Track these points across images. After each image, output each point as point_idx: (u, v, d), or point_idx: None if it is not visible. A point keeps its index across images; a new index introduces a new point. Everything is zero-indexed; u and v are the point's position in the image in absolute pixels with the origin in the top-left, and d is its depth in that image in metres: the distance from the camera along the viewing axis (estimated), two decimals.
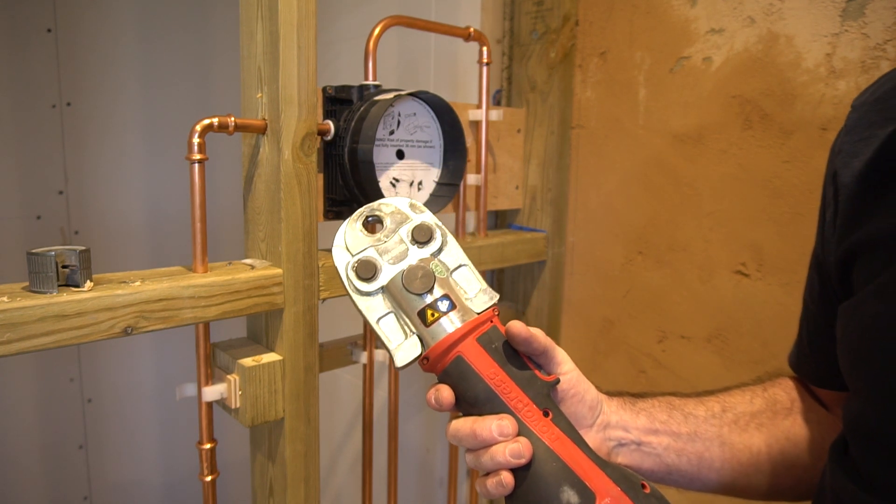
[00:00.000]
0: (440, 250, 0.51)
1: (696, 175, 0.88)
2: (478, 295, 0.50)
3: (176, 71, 1.58)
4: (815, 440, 0.56)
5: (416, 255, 0.50)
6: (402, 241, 0.51)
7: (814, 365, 0.56)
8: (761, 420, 0.57)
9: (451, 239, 0.52)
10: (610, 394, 0.58)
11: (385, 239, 0.51)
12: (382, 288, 0.50)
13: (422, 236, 0.51)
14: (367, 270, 0.49)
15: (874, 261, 0.41)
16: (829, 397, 0.57)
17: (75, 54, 1.45)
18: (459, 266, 0.51)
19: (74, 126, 1.47)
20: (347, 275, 0.50)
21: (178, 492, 1.74)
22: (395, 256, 0.50)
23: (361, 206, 0.74)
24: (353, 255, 0.50)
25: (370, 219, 0.53)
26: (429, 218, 0.53)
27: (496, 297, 0.50)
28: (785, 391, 0.60)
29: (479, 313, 0.48)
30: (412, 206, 0.54)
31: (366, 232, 0.52)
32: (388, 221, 0.52)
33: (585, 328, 1.04)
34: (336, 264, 0.50)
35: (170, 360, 1.67)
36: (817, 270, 0.51)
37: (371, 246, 0.51)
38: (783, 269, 0.80)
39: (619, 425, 0.55)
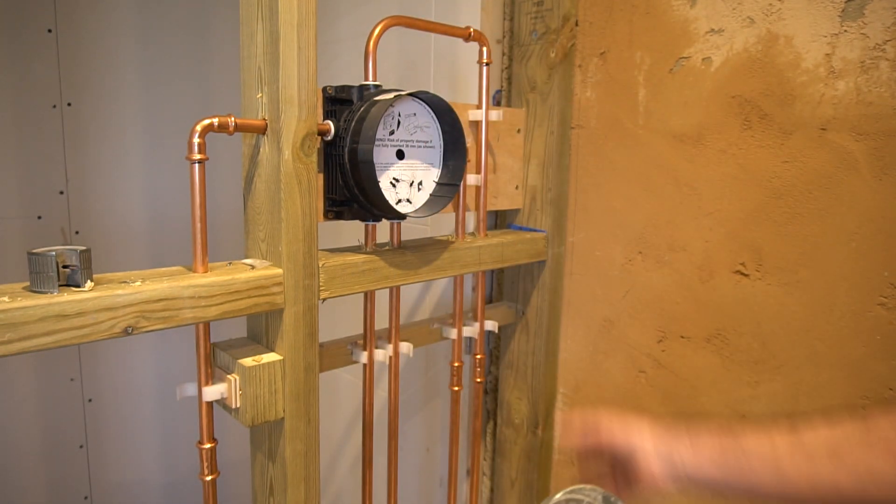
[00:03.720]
0: None
1: (696, 175, 0.88)
2: None
3: (176, 71, 1.58)
4: None
5: None
6: None
7: None
8: None
9: None
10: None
11: None
12: None
13: None
14: None
15: None
16: None
17: (76, 55, 1.45)
18: None
19: (75, 126, 1.47)
20: None
21: (179, 491, 1.74)
22: None
23: (362, 206, 0.75)
24: None
25: None
26: None
27: None
28: None
29: None
30: (606, 499, 0.41)
31: None
32: None
33: (585, 328, 1.04)
34: None
35: (170, 359, 1.67)
36: None
37: None
38: (783, 269, 0.80)
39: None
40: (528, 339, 1.08)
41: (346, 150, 0.71)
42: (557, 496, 0.40)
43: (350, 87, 0.74)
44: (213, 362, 0.71)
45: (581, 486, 0.41)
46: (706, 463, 0.52)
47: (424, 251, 0.83)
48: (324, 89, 0.74)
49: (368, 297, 0.84)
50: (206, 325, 0.68)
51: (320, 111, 0.74)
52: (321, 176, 0.75)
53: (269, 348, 0.71)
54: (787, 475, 0.51)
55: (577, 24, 1.00)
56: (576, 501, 0.40)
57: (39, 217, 1.46)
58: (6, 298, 0.52)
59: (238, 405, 0.68)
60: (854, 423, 0.51)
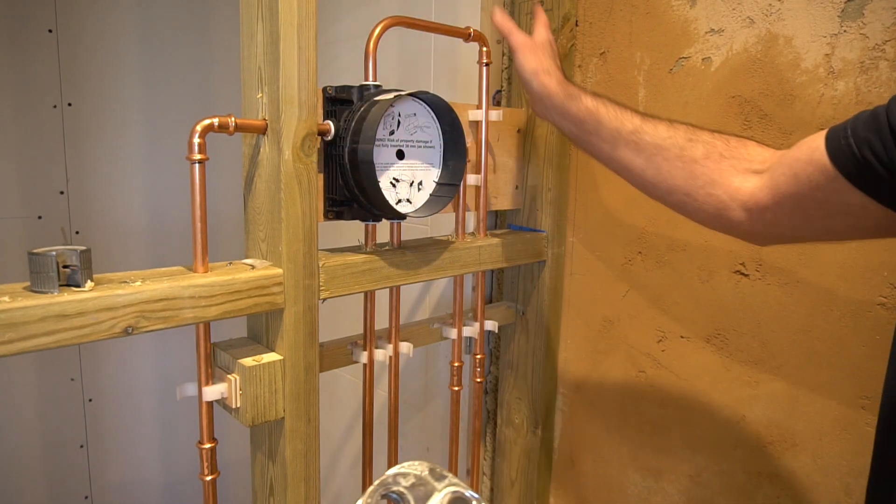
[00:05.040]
0: None
1: None
2: None
3: (176, 71, 1.58)
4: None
5: None
6: None
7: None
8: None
9: None
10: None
11: None
12: None
13: None
14: None
15: None
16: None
17: (76, 55, 1.46)
18: None
19: (75, 126, 1.47)
20: None
21: (179, 491, 1.74)
22: None
23: (362, 206, 0.75)
24: None
25: (391, 495, 0.44)
26: (456, 484, 0.45)
27: None
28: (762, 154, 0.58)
29: None
30: (432, 470, 0.45)
31: None
32: (409, 498, 0.44)
33: (585, 328, 1.04)
34: None
35: (170, 359, 1.67)
36: None
37: None
38: (782, 268, 0.80)
39: None
40: (528, 339, 1.08)
41: (347, 150, 0.71)
42: (389, 471, 0.45)
43: (350, 88, 0.74)
44: (214, 362, 0.71)
45: (410, 461, 0.46)
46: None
47: (424, 251, 0.83)
48: (324, 89, 0.74)
49: (368, 297, 0.84)
50: (207, 324, 0.68)
51: (320, 111, 0.74)
52: (321, 176, 0.75)
53: (270, 348, 0.72)
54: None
55: (576, 25, 1.00)
56: (403, 474, 0.45)
57: (39, 217, 1.46)
58: (6, 298, 0.52)
59: (238, 405, 0.68)
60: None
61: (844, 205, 0.49)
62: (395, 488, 0.44)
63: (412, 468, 0.45)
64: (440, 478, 0.45)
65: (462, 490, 0.44)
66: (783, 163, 0.54)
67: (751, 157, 0.58)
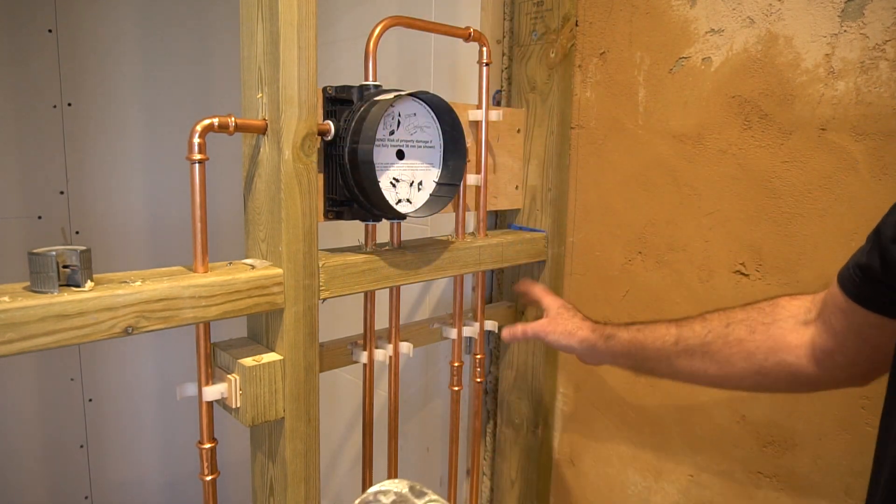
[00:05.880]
0: None
1: (696, 175, 0.88)
2: None
3: (176, 71, 1.58)
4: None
5: None
6: None
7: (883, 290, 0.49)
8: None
9: None
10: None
11: None
12: None
13: None
14: None
15: None
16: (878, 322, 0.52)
17: (76, 55, 1.45)
18: None
19: (75, 126, 1.47)
20: None
21: (179, 491, 1.74)
22: None
23: (362, 206, 0.75)
24: None
25: None
26: (436, 500, 0.45)
27: None
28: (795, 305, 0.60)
29: None
30: (412, 488, 0.46)
31: None
32: None
33: None
34: None
35: (170, 359, 1.67)
36: None
37: None
38: (782, 269, 0.80)
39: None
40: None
41: (347, 150, 0.71)
42: (370, 489, 0.46)
43: (350, 88, 0.74)
44: (214, 362, 0.71)
45: (391, 480, 0.47)
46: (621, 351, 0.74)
47: (424, 251, 0.83)
48: (324, 89, 0.74)
49: (368, 297, 0.84)
50: (207, 324, 0.68)
51: (320, 111, 0.74)
52: (321, 176, 0.75)
53: (270, 348, 0.72)
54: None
55: (576, 25, 1.00)
56: (384, 492, 0.46)
57: (39, 217, 1.46)
58: (6, 298, 0.52)
59: (238, 405, 0.68)
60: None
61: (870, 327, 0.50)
62: None
63: (392, 485, 0.46)
64: (420, 495, 0.46)
65: None
66: (828, 303, 0.54)
67: (793, 313, 0.58)
